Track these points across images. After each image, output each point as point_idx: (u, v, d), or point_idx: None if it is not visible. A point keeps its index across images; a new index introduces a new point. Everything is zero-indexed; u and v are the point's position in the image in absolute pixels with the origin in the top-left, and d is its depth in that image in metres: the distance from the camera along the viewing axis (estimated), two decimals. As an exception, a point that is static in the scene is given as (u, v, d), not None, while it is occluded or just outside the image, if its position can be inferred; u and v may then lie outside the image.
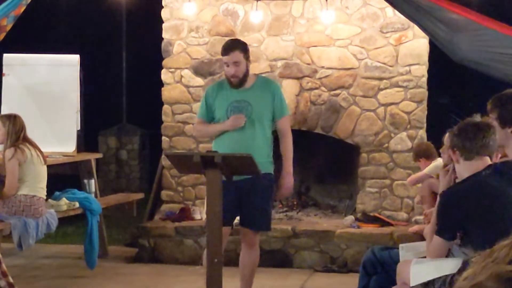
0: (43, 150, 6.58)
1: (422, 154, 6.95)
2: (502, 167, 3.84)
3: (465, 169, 3.76)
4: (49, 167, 6.68)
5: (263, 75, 7.59)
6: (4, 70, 7.73)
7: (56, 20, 12.09)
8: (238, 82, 5.44)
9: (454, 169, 3.94)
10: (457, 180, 3.93)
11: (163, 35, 7.81)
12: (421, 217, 7.06)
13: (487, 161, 3.78)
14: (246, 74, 5.46)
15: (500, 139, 3.96)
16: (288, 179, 5.58)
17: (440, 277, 3.68)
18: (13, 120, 6.41)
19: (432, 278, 3.70)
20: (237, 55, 5.39)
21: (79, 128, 7.64)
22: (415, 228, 7.06)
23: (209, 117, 5.55)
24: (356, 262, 6.49)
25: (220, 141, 5.48)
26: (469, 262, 1.81)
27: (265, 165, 5.39)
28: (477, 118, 3.91)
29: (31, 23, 9.40)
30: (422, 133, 7.49)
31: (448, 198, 3.75)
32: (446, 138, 4.65)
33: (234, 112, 5.43)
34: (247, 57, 5.46)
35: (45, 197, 6.60)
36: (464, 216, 3.69)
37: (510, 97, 4.12)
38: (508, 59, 5.29)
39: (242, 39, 7.62)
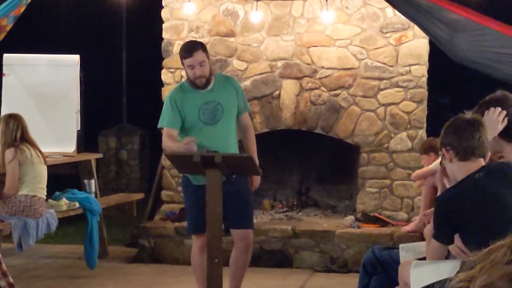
0: (43, 150, 6.58)
1: (434, 149, 6.76)
2: (497, 168, 3.83)
3: (459, 169, 3.72)
4: (49, 167, 6.68)
5: (263, 75, 7.61)
6: (4, 70, 7.74)
7: (56, 20, 12.08)
8: (205, 83, 5.38)
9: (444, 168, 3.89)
10: (448, 180, 3.90)
11: (163, 35, 7.82)
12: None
13: (481, 162, 3.76)
14: (211, 74, 5.42)
15: (493, 147, 3.96)
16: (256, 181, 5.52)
17: (439, 280, 3.68)
18: (7, 120, 6.41)
19: (432, 282, 3.70)
20: (201, 55, 5.34)
21: (79, 128, 7.64)
22: (406, 228, 7.06)
23: (178, 125, 5.40)
24: (356, 262, 6.49)
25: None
26: (464, 262, 1.81)
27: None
28: (469, 114, 3.87)
29: (31, 23, 9.40)
30: (422, 133, 7.50)
31: (443, 203, 3.73)
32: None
33: (206, 115, 5.36)
34: (208, 56, 5.41)
35: (45, 197, 6.60)
36: (460, 220, 3.67)
37: (486, 107, 4.11)
38: (508, 59, 5.28)
39: (242, 39, 7.68)
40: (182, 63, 5.42)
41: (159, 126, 5.52)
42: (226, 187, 5.12)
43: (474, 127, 3.73)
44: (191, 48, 5.38)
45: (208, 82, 5.39)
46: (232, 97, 5.46)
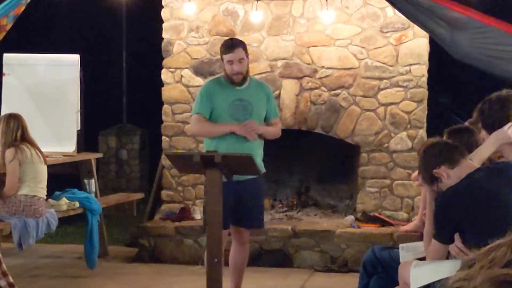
0: (43, 150, 6.58)
1: None
2: (497, 168, 3.84)
3: (456, 177, 3.74)
4: (49, 167, 6.68)
5: (263, 75, 7.61)
6: (4, 70, 7.73)
7: (56, 20, 12.08)
8: (241, 79, 5.53)
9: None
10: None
11: (163, 35, 7.81)
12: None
13: (471, 163, 3.79)
14: (247, 72, 5.61)
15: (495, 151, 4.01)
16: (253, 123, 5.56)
17: (439, 280, 3.68)
18: (7, 120, 6.41)
19: (431, 281, 3.70)
20: (241, 52, 5.53)
21: (79, 128, 7.63)
22: (405, 228, 7.06)
23: (207, 114, 5.56)
24: (356, 262, 6.49)
25: (220, 140, 5.49)
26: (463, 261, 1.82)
27: (261, 164, 5.58)
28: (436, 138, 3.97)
29: (31, 23, 9.40)
30: (422, 133, 7.49)
31: (443, 202, 3.74)
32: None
33: (237, 111, 5.51)
34: (247, 55, 5.61)
35: (45, 197, 6.60)
36: (459, 219, 3.68)
37: (488, 104, 4.14)
38: (509, 56, 5.29)
39: (242, 39, 7.62)
40: (222, 58, 5.58)
41: (191, 113, 5.75)
42: (242, 185, 5.32)
43: (445, 142, 3.93)
44: (232, 44, 5.60)
45: (244, 79, 5.56)
46: (263, 101, 5.63)
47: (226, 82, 5.58)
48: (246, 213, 5.55)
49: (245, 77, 5.56)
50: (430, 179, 3.82)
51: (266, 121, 5.69)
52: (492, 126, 4.08)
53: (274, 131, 5.73)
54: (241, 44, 5.63)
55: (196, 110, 5.65)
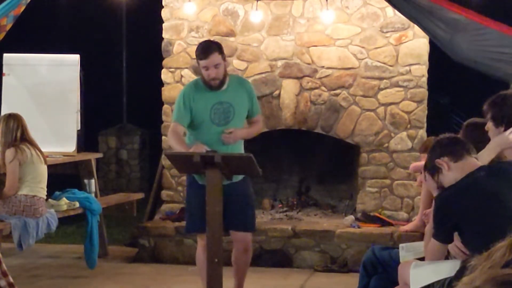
0: (43, 150, 6.58)
1: None
2: (498, 168, 3.85)
3: (457, 171, 3.74)
4: (49, 167, 6.68)
5: (263, 75, 7.61)
6: (4, 70, 7.73)
7: (56, 20, 12.09)
8: (219, 84, 5.37)
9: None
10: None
11: (163, 35, 7.82)
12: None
13: (475, 161, 3.79)
14: (225, 75, 5.41)
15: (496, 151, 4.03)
16: (236, 132, 5.39)
17: (439, 280, 3.68)
18: (7, 120, 6.41)
19: (431, 281, 3.70)
20: (217, 57, 5.30)
21: (79, 128, 7.63)
22: (405, 228, 7.06)
23: (186, 121, 5.41)
24: (356, 262, 6.49)
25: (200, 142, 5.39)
26: (466, 266, 1.82)
27: None
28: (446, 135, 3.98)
29: (31, 23, 9.40)
30: (422, 133, 7.50)
31: (443, 201, 3.74)
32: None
33: (218, 115, 5.37)
34: (224, 58, 5.39)
35: (45, 197, 6.60)
36: (460, 219, 3.68)
37: (502, 98, 4.18)
38: (508, 58, 5.30)
39: (242, 38, 7.68)
40: (198, 63, 5.42)
41: (171, 119, 5.58)
42: (227, 189, 5.14)
43: (453, 136, 3.93)
44: (207, 50, 5.33)
45: (222, 83, 5.38)
46: (244, 100, 5.47)
47: (204, 86, 5.41)
48: (239, 217, 5.41)
49: (223, 80, 5.37)
50: (432, 169, 3.83)
51: (249, 118, 5.54)
52: (502, 120, 4.11)
53: (251, 131, 5.56)
54: (217, 48, 5.36)
55: (173, 117, 5.53)
